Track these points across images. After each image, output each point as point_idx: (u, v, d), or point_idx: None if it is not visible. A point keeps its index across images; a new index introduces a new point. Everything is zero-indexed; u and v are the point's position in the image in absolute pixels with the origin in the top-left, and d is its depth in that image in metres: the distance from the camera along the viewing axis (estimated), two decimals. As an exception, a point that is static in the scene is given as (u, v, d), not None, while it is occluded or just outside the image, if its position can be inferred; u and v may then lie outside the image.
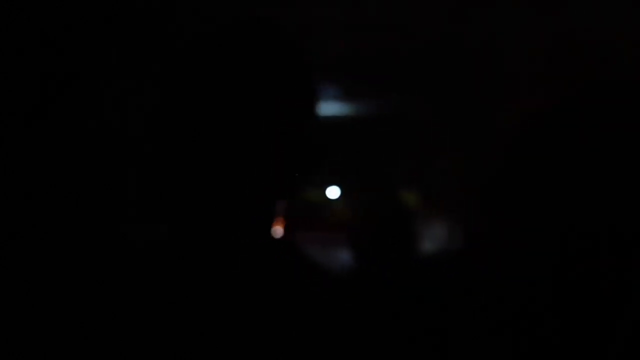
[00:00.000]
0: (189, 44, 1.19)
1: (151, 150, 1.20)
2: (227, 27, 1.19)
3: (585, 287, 1.22)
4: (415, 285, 1.33)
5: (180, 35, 1.21)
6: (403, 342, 1.24)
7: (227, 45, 1.18)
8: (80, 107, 1.27)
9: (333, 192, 8.21)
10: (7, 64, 1.25)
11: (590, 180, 1.24)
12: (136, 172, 1.22)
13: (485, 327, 1.24)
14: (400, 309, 1.28)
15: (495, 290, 1.26)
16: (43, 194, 1.26)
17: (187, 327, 1.13)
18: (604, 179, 1.23)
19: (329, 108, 6.09)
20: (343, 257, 3.18)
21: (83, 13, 1.27)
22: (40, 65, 1.26)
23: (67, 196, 1.27)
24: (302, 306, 1.19)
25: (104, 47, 1.27)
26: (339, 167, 7.20)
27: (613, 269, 1.22)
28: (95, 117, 1.27)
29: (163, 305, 1.14)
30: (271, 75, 1.18)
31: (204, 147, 1.16)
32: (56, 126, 1.26)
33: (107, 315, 1.13)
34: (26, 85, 1.25)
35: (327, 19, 4.14)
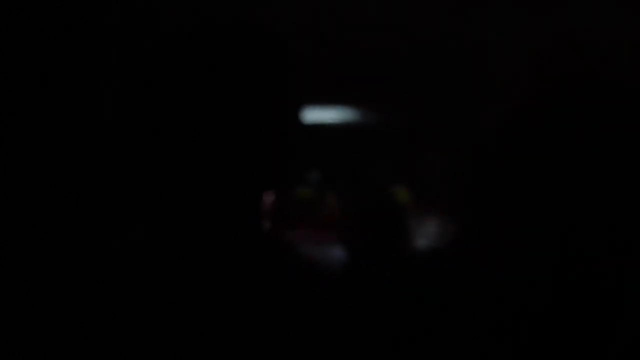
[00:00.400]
0: (177, 44, 1.20)
1: (135, 148, 1.20)
2: (214, 28, 1.20)
3: (584, 287, 1.22)
4: (408, 281, 1.33)
5: (168, 35, 1.21)
6: (396, 339, 1.24)
7: (214, 45, 1.19)
8: (75, 105, 1.26)
9: (323, 188, 8.18)
10: (6, 64, 1.24)
11: (575, 176, 1.24)
12: (118, 168, 1.22)
13: (480, 325, 1.24)
14: (393, 305, 1.28)
15: (490, 287, 1.26)
16: (30, 194, 1.25)
17: (176, 325, 1.13)
18: (589, 174, 1.23)
19: (321, 106, 6.08)
20: (335, 254, 3.18)
21: (82, 13, 1.26)
22: (39, 65, 1.26)
23: (57, 195, 1.26)
24: (294, 303, 1.19)
25: (102, 47, 1.27)
26: (331, 165, 7.19)
27: (613, 268, 1.22)
28: (88, 115, 1.27)
29: (150, 306, 1.14)
30: (255, 73, 1.19)
31: (187, 144, 1.17)
32: (50, 125, 1.25)
33: (92, 316, 1.12)
34: (21, 84, 1.25)
35: (323, 20, 4.14)
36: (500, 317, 1.24)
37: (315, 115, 6.34)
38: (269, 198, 1.26)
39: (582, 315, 1.21)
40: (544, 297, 1.23)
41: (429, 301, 1.28)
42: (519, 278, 1.24)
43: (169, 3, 1.28)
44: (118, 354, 1.11)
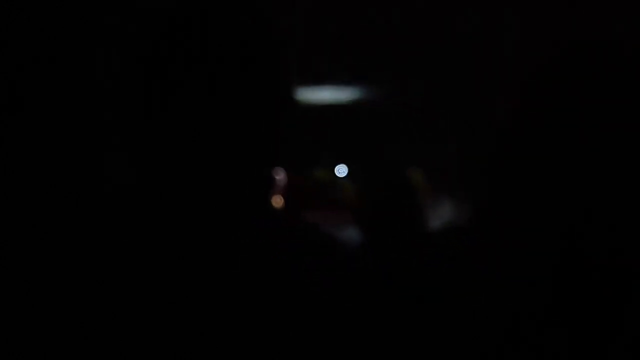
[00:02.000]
0: (169, 24, 1.19)
1: (143, 127, 1.20)
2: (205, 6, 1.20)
3: (585, 286, 1.21)
4: (422, 262, 1.33)
5: (157, 17, 1.21)
6: (411, 319, 1.24)
7: (206, 24, 1.19)
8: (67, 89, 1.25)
9: (341, 170, 8.18)
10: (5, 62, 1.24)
11: (584, 165, 1.22)
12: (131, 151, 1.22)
13: (491, 305, 1.24)
14: (407, 286, 1.28)
15: (503, 269, 1.25)
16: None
17: (190, 308, 1.13)
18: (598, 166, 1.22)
19: (338, 92, 6.09)
20: (351, 235, 3.19)
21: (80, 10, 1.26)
22: (38, 64, 1.26)
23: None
24: (309, 283, 1.19)
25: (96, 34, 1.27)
26: (347, 147, 7.18)
27: (613, 268, 1.21)
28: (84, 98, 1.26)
29: (164, 289, 1.14)
30: (252, 52, 1.20)
31: (185, 127, 1.17)
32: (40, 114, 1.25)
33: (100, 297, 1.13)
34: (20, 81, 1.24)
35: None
36: (509, 300, 1.23)
37: (331, 98, 6.34)
38: (283, 179, 1.25)
39: (582, 315, 1.21)
40: (549, 289, 1.23)
41: (442, 281, 1.27)
42: (529, 276, 1.23)
43: None
44: (127, 340, 1.12)
